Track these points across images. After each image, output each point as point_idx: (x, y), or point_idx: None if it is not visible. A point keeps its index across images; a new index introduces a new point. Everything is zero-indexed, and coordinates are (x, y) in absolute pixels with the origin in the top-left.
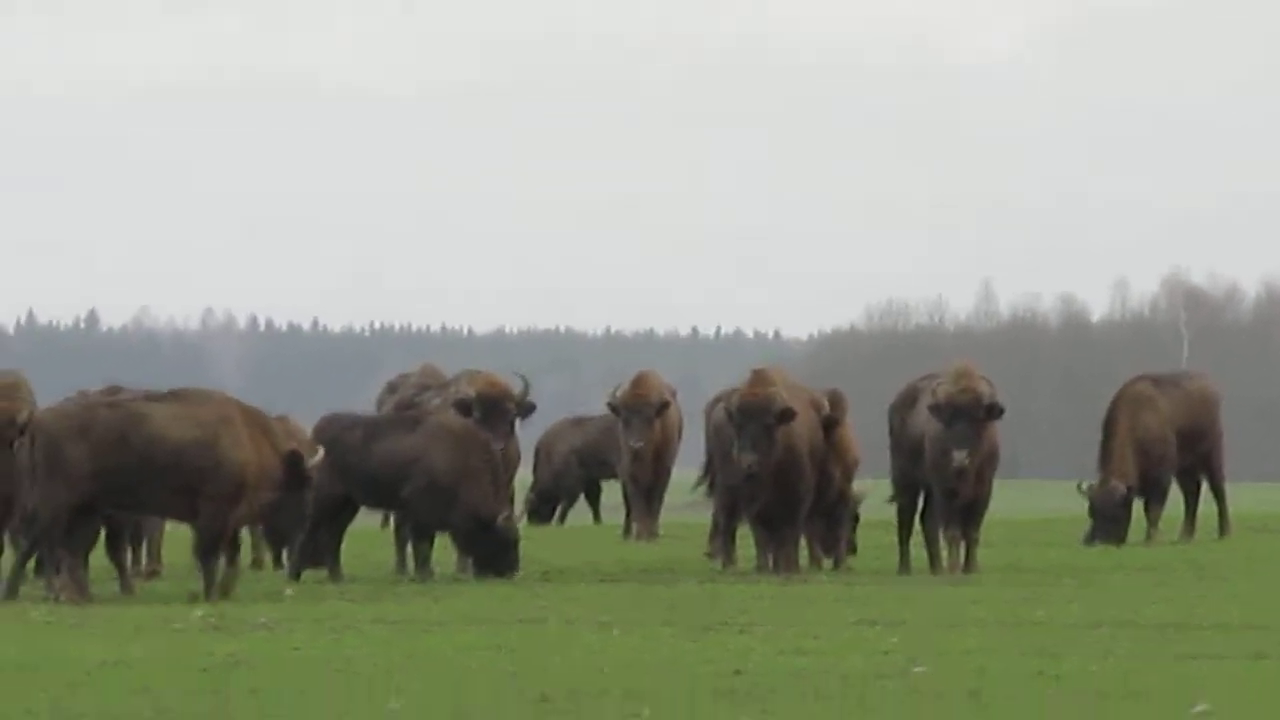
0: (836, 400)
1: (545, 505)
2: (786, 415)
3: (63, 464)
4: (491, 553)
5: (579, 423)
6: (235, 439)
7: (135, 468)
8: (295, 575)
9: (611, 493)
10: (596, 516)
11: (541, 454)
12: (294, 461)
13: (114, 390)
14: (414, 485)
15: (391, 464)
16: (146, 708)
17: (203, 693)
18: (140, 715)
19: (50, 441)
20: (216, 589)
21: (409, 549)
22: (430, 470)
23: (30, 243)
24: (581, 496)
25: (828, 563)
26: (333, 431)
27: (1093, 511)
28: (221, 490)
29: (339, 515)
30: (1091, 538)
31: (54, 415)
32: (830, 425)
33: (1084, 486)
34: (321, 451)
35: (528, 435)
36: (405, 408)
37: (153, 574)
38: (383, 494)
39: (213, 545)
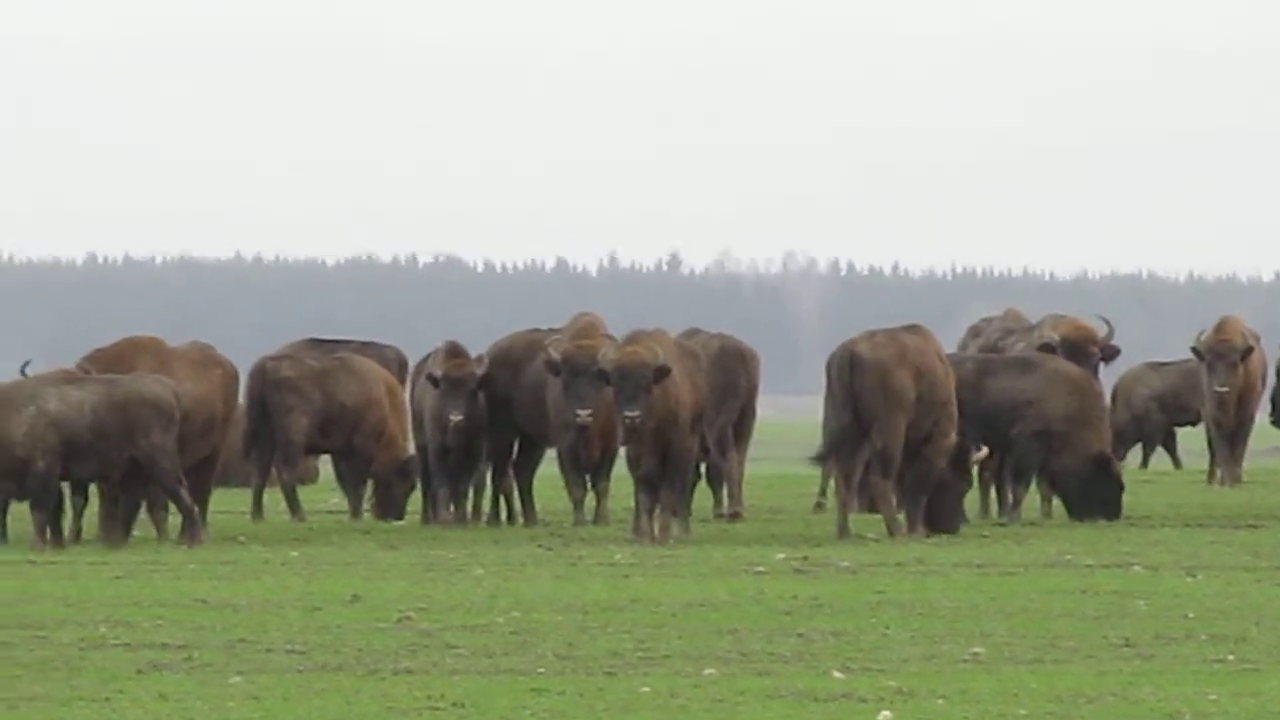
0: None
1: (1121, 449)
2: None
3: (897, 393)
4: (1100, 495)
5: (1158, 367)
6: None
7: (925, 398)
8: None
9: (1190, 440)
10: (1175, 462)
11: (1120, 398)
12: None
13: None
14: (1025, 428)
15: (1005, 404)
16: (731, 649)
17: (786, 635)
18: (725, 656)
19: (884, 370)
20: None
21: (992, 492)
22: (1045, 415)
23: (613, 186)
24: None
25: None
26: None
27: None
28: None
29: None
30: None
31: (875, 345)
32: None
33: None
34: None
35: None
36: (990, 352)
37: (735, 516)
38: (991, 433)
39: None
